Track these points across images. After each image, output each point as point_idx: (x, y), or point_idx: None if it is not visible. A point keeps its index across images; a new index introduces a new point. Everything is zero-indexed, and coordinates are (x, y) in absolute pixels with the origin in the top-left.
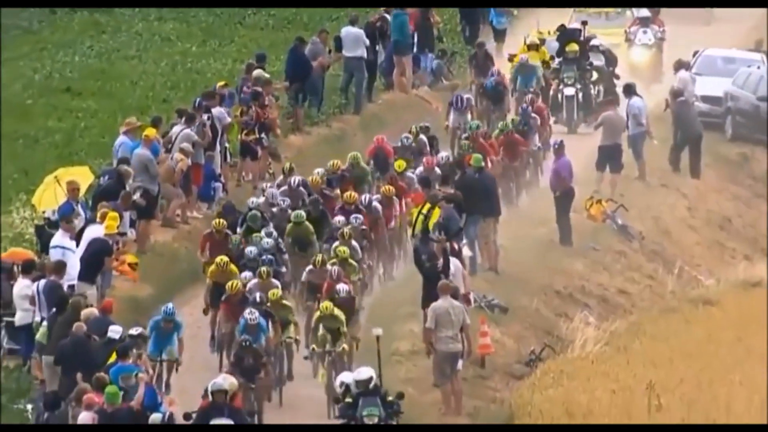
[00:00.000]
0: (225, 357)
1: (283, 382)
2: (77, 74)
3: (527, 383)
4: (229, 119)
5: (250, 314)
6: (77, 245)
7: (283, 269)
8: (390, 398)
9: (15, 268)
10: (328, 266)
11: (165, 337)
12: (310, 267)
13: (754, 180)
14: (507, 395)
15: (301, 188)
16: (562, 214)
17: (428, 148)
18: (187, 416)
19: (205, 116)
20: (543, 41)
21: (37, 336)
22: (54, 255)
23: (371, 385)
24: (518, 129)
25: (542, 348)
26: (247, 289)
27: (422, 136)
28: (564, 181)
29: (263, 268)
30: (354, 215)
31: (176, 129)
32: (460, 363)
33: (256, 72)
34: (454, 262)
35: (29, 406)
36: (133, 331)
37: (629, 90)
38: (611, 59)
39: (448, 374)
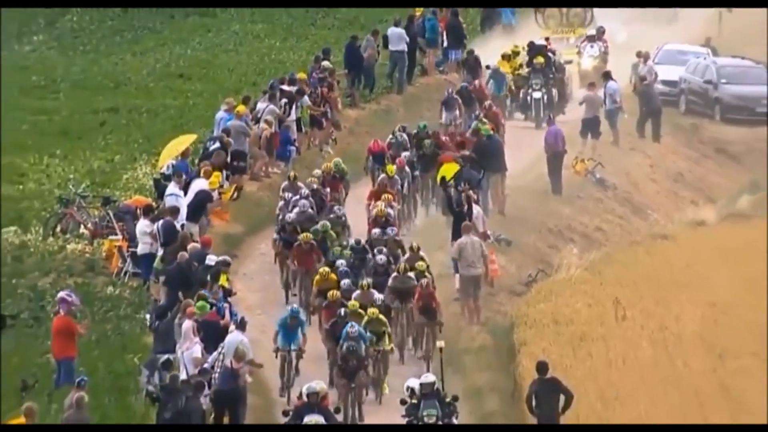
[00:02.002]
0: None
1: (380, 384)
2: (188, 63)
3: (525, 299)
4: (303, 98)
5: (351, 327)
6: (185, 195)
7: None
8: (448, 400)
9: (138, 211)
10: (410, 275)
11: (292, 332)
12: (395, 274)
13: (702, 144)
14: (509, 308)
15: (300, 183)
16: (552, 170)
17: (408, 144)
18: (285, 413)
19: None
20: (517, 53)
21: (154, 263)
22: (168, 201)
23: (433, 389)
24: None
25: (537, 272)
26: (391, 278)
27: (404, 134)
28: (551, 145)
29: (364, 282)
30: (390, 227)
31: (261, 105)
32: (482, 284)
33: (324, 63)
34: (475, 207)
35: (147, 316)
36: (223, 258)
37: (607, 76)
38: (561, 68)
39: (470, 293)
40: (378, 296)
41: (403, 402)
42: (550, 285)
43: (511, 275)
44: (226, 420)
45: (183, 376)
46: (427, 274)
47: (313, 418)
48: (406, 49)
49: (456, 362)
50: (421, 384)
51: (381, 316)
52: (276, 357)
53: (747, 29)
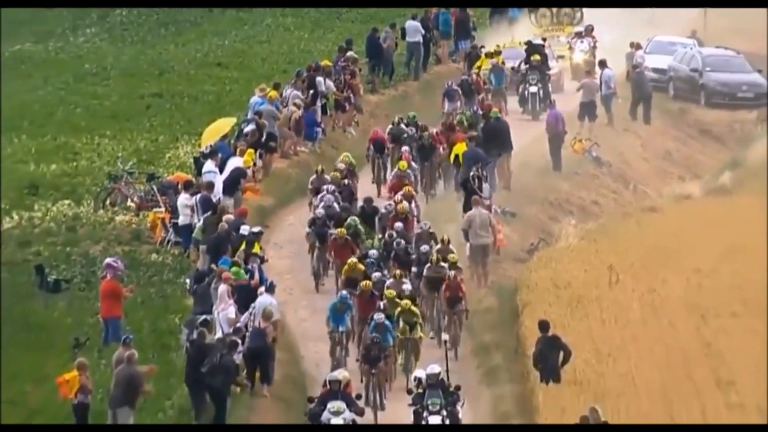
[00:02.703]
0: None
1: (411, 371)
2: (225, 53)
3: (527, 265)
4: (328, 85)
5: (378, 317)
6: (221, 172)
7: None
8: (451, 389)
9: (179, 186)
10: (443, 264)
11: (340, 315)
12: (429, 264)
13: (688, 126)
14: (514, 273)
15: (327, 176)
16: (553, 149)
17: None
18: (310, 399)
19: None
20: (499, 52)
21: (194, 233)
22: (206, 178)
23: (438, 379)
24: (470, 122)
25: (538, 241)
26: (386, 286)
27: (405, 126)
28: (552, 126)
29: (398, 271)
30: (424, 222)
31: (289, 91)
32: (490, 252)
33: (347, 52)
34: (485, 185)
35: (186, 280)
36: (255, 229)
37: (603, 64)
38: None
39: (478, 261)
40: (407, 286)
41: (409, 391)
42: (550, 253)
43: (515, 244)
44: (257, 375)
45: (219, 334)
46: (459, 265)
47: (335, 405)
48: (421, 41)
49: (466, 322)
50: (426, 375)
51: (414, 307)
52: (329, 338)
53: (729, 23)
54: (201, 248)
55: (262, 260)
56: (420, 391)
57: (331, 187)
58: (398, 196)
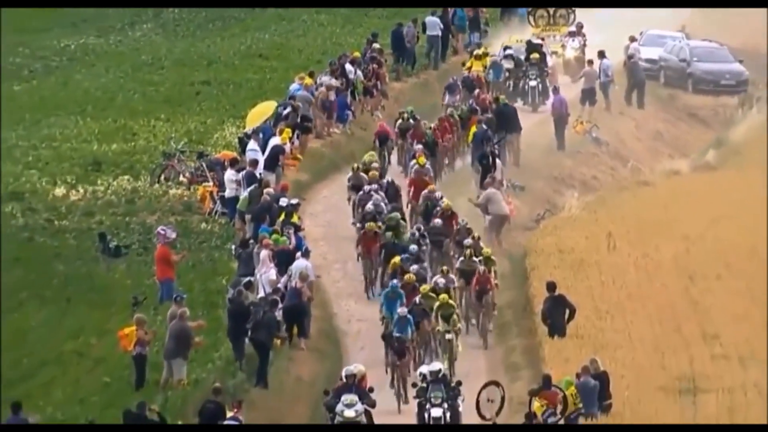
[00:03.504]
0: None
1: (451, 362)
2: (266, 45)
3: (535, 233)
4: (358, 73)
5: (401, 311)
6: (263, 151)
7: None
8: (453, 384)
9: (225, 163)
10: (475, 259)
11: (392, 303)
12: (462, 258)
13: (677, 110)
14: (523, 241)
15: (363, 175)
16: (558, 130)
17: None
18: (326, 392)
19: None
20: (486, 54)
21: (239, 205)
22: (249, 155)
23: (440, 375)
24: (466, 114)
25: (544, 212)
26: (434, 282)
27: (411, 120)
28: (557, 110)
29: (444, 267)
30: (461, 219)
31: (323, 78)
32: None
33: (374, 44)
34: (498, 161)
35: (232, 246)
36: (294, 201)
37: (601, 54)
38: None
39: (494, 230)
40: (439, 279)
41: (414, 385)
42: (555, 222)
43: (523, 214)
44: (294, 329)
45: (261, 294)
46: (492, 257)
47: (348, 397)
48: (440, 34)
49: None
50: (429, 371)
51: (451, 300)
52: (381, 323)
53: (715, 19)
54: (246, 218)
55: (300, 228)
56: (424, 385)
57: (375, 186)
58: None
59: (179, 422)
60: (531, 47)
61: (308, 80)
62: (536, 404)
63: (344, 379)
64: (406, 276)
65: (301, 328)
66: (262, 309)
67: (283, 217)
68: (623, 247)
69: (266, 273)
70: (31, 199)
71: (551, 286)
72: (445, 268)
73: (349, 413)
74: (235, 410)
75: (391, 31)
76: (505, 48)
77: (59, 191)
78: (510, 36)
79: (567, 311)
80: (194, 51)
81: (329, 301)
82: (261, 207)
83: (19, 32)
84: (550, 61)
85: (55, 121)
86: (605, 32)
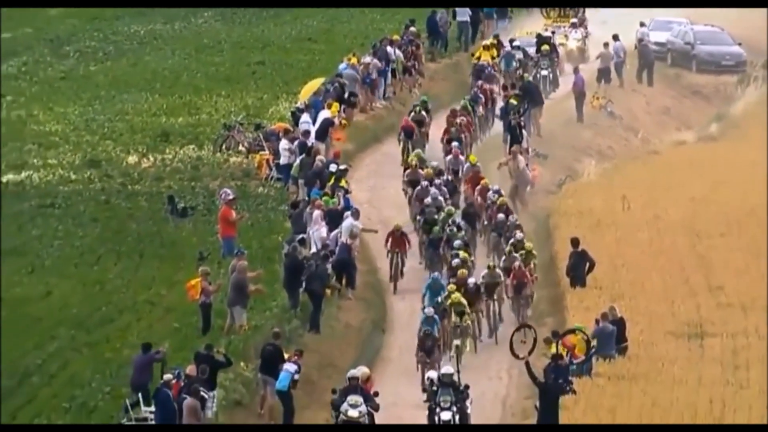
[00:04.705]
0: None
1: (462, 352)
2: (314, 31)
3: (557, 196)
4: (397, 54)
5: (428, 311)
6: (314, 122)
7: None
8: (461, 388)
9: (280, 133)
10: (515, 255)
11: (435, 292)
12: (503, 256)
13: (682, 87)
14: (546, 203)
15: (420, 171)
16: (577, 105)
17: (427, 119)
18: (333, 391)
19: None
20: (494, 45)
21: (292, 171)
22: (301, 126)
23: (450, 379)
24: (468, 105)
25: (565, 177)
26: (482, 275)
27: (422, 112)
28: (577, 87)
29: (491, 263)
30: (512, 215)
31: (367, 59)
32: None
33: (411, 29)
34: (524, 131)
35: (286, 207)
36: (342, 167)
37: (616, 37)
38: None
39: (520, 191)
40: (470, 280)
41: (424, 390)
42: (575, 186)
43: (546, 180)
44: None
45: (313, 249)
46: (534, 252)
47: (353, 398)
48: (469, 20)
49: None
50: (439, 374)
51: (462, 299)
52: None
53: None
54: (299, 182)
55: (347, 191)
56: (434, 389)
57: (438, 181)
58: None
59: (242, 363)
60: (541, 39)
61: (354, 60)
62: (551, 347)
63: (348, 381)
64: (460, 272)
65: (349, 279)
66: (314, 262)
67: (332, 181)
68: (636, 208)
69: (317, 231)
70: (107, 167)
71: (575, 242)
72: (491, 264)
73: (353, 413)
74: (296, 357)
75: (426, 17)
76: (512, 41)
77: (132, 159)
78: (521, 29)
79: (587, 265)
80: (250, 35)
81: (373, 256)
82: (313, 172)
83: (94, 20)
84: (561, 51)
85: (128, 97)
86: (615, 22)
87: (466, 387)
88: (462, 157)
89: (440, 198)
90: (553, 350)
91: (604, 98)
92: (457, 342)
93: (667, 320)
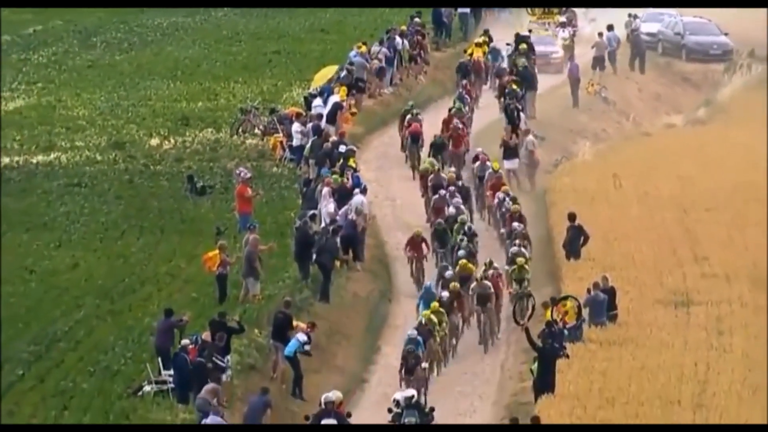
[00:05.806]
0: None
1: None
2: (327, 22)
3: (553, 175)
4: (404, 43)
5: (412, 332)
6: (325, 106)
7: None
8: (426, 410)
9: (293, 117)
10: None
11: (428, 303)
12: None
13: (673, 75)
14: (544, 181)
15: (443, 175)
16: (573, 91)
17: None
18: (306, 417)
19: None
20: (486, 42)
21: (305, 152)
22: (315, 110)
23: (413, 402)
24: (458, 107)
25: (561, 158)
26: (471, 287)
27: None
28: (573, 74)
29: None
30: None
31: (376, 48)
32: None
33: (416, 20)
34: (522, 114)
35: (298, 186)
36: (352, 147)
37: (610, 27)
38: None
39: (530, 172)
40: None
41: (389, 410)
42: (570, 166)
43: (544, 160)
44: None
45: (323, 224)
46: (527, 266)
47: (328, 422)
48: (470, 11)
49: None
50: (403, 397)
51: (441, 309)
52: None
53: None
54: (310, 162)
55: (355, 170)
56: (398, 411)
57: (453, 188)
58: (506, 200)
59: (255, 330)
60: (519, 39)
61: (363, 48)
62: (547, 313)
63: (323, 405)
64: (477, 276)
65: (356, 252)
66: (324, 236)
67: (341, 160)
68: (627, 186)
69: (326, 206)
70: (131, 148)
71: (572, 217)
72: (478, 276)
73: None
74: (309, 329)
75: (432, 10)
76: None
77: (154, 141)
78: (521, 27)
79: (582, 238)
80: (266, 27)
81: (380, 231)
82: (323, 152)
83: (119, 13)
84: (560, 51)
85: (151, 84)
86: (604, 20)
87: (432, 409)
88: (489, 163)
89: (462, 207)
90: (548, 317)
91: (599, 84)
92: (425, 365)
93: (655, 289)
